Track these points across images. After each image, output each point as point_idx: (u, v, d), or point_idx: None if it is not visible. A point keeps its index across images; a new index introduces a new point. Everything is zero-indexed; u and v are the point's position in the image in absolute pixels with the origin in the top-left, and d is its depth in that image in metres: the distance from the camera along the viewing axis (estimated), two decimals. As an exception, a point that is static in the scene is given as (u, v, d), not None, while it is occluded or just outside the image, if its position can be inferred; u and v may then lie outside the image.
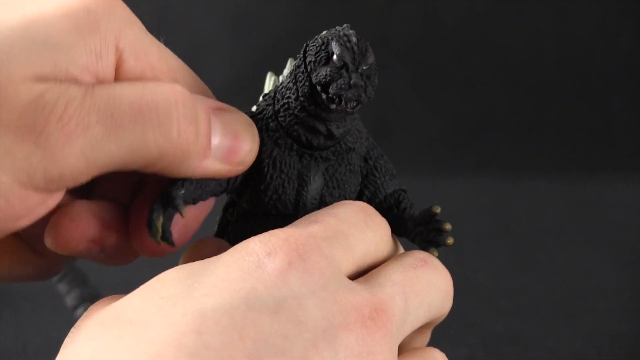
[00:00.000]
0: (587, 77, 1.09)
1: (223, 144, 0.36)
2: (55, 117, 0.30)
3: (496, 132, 1.08)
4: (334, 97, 0.35)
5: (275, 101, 0.38)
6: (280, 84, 0.38)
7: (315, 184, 0.38)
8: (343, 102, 0.35)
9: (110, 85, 0.32)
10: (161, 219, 0.35)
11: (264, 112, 0.38)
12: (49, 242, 0.35)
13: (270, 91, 0.39)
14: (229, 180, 0.37)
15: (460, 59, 1.10)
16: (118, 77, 0.34)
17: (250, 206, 0.38)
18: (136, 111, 0.32)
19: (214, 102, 0.36)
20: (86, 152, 0.31)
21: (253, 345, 0.29)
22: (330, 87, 0.35)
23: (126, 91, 0.32)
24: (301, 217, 0.37)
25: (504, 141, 1.08)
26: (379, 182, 0.40)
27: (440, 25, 1.11)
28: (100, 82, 0.32)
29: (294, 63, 0.38)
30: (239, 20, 1.08)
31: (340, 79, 0.35)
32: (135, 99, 0.32)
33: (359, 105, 0.36)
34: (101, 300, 0.33)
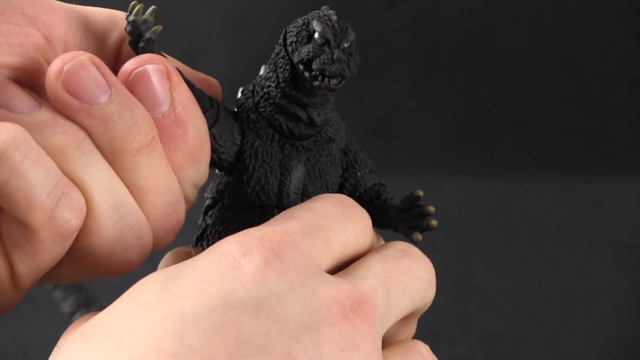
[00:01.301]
0: (587, 77, 1.09)
1: None
2: None
3: (496, 132, 1.08)
4: (317, 73, 0.35)
5: (255, 93, 0.38)
6: (259, 77, 0.39)
7: (298, 174, 0.38)
8: (326, 78, 0.35)
9: None
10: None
11: (244, 105, 0.38)
12: None
13: (248, 85, 0.39)
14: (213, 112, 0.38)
15: (460, 59, 1.10)
16: None
17: (233, 199, 0.38)
18: None
19: None
20: None
21: (234, 345, 0.29)
22: (313, 63, 0.35)
23: None
24: (285, 207, 0.37)
25: (504, 141, 1.08)
26: (359, 174, 0.40)
27: (440, 25, 1.11)
28: None
29: (274, 52, 0.38)
30: (239, 20, 1.08)
31: (323, 55, 0.35)
32: None
33: (343, 82, 0.36)
34: (81, 317, 0.33)
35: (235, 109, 0.39)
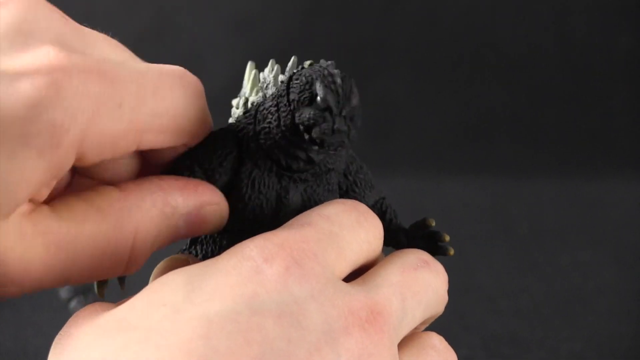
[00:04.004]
0: (587, 77, 1.09)
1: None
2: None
3: (496, 132, 1.08)
4: (317, 140, 0.35)
5: (257, 122, 0.37)
6: (262, 103, 0.37)
7: (293, 205, 0.37)
8: (326, 146, 0.35)
9: None
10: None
11: (245, 131, 0.37)
12: None
13: (250, 108, 0.38)
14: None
15: (460, 59, 1.10)
16: None
17: (227, 223, 0.37)
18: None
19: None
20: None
21: (259, 349, 0.29)
22: (313, 130, 0.35)
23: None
24: None
25: (504, 141, 1.08)
26: (359, 197, 0.39)
27: (440, 25, 1.11)
28: None
29: (274, 93, 0.37)
30: (239, 21, 1.08)
31: (324, 123, 0.34)
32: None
33: (341, 148, 0.36)
34: (89, 307, 0.33)
35: (231, 120, 0.38)
